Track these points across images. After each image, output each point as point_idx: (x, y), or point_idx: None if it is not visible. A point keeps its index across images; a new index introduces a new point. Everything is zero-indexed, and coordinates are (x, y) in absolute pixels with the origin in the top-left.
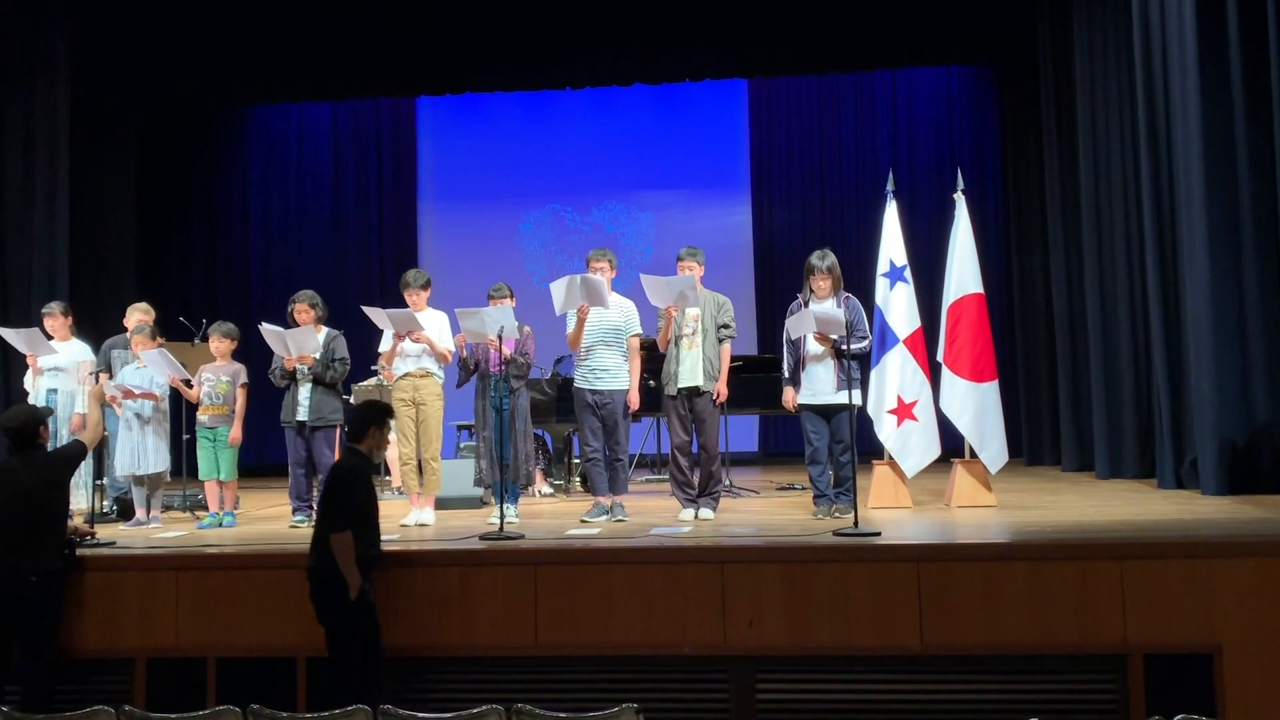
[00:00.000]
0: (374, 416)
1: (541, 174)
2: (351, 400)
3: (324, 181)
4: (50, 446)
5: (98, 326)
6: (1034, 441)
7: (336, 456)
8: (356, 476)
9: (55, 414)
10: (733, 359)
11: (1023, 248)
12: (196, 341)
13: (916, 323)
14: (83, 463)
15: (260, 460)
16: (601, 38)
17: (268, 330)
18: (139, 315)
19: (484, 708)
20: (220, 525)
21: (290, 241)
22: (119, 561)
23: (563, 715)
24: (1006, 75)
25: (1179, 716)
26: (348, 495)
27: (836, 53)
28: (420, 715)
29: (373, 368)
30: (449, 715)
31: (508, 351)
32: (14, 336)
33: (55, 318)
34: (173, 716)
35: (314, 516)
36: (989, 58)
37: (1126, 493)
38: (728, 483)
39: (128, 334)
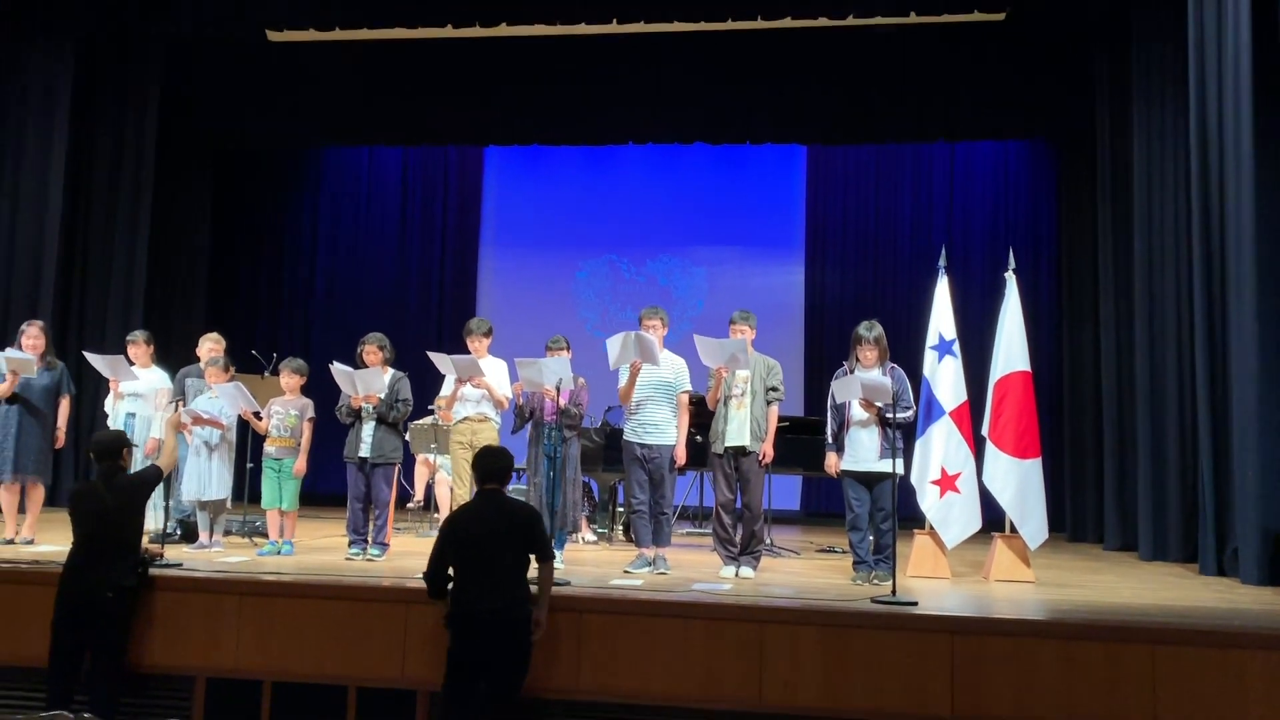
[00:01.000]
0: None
1: (600, 225)
2: (408, 438)
3: (390, 222)
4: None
5: (166, 354)
6: (1077, 517)
7: (394, 493)
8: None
9: (132, 437)
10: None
11: (1074, 322)
12: (266, 375)
13: (963, 396)
14: (158, 487)
15: (312, 489)
16: (666, 97)
17: (338, 370)
18: (210, 345)
19: None
20: (279, 553)
21: (354, 279)
22: (186, 583)
23: None
24: (1064, 151)
25: None
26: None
27: (896, 124)
28: None
29: (429, 408)
30: None
31: (562, 402)
32: (99, 361)
33: (138, 345)
34: None
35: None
36: (1047, 133)
37: (1166, 576)
38: (769, 542)
39: (200, 363)
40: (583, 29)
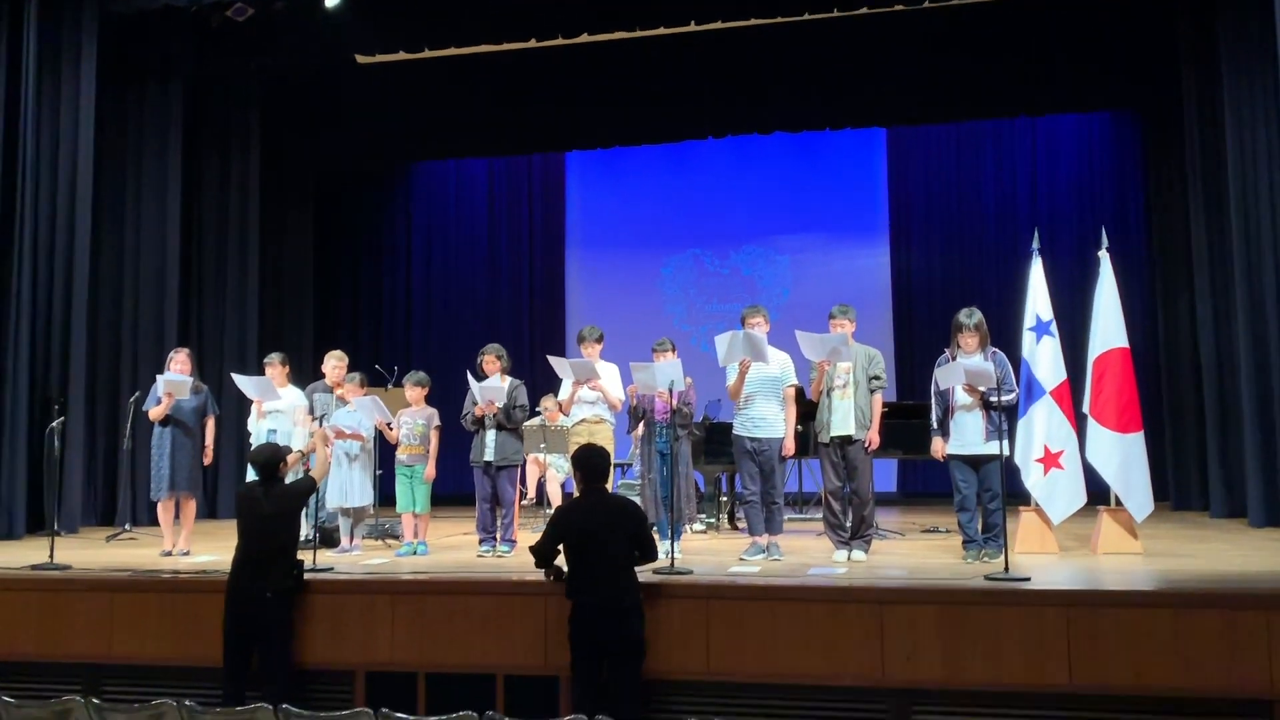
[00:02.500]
0: (609, 459)
1: (682, 220)
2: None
3: (479, 230)
4: None
5: None
6: (1181, 487)
7: (517, 493)
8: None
9: None
10: None
11: (1169, 295)
12: (389, 387)
13: (1063, 375)
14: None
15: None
16: (742, 90)
17: (473, 384)
18: (335, 363)
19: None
20: (415, 553)
21: (448, 286)
22: (343, 585)
23: None
24: (1149, 122)
25: None
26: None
27: (976, 101)
28: None
29: (535, 409)
30: None
31: (674, 402)
32: (247, 384)
33: (275, 367)
34: (307, 714)
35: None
36: (1131, 104)
37: (1275, 543)
38: (876, 525)
39: (325, 379)
40: (660, 31)
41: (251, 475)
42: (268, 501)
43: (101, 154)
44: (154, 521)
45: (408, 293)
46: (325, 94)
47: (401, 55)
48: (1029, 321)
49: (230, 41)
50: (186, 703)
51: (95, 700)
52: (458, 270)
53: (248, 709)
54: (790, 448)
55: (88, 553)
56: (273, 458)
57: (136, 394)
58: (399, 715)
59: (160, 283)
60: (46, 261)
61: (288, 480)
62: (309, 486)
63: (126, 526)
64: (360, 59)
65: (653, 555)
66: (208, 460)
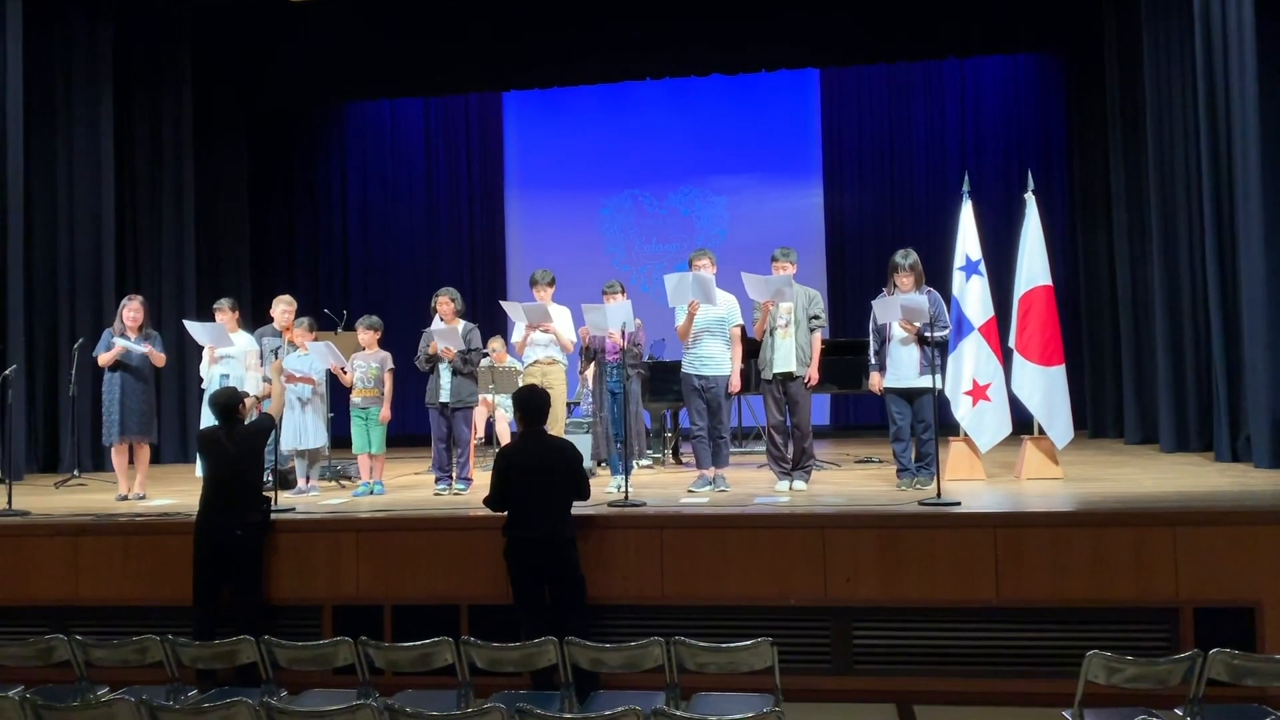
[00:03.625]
0: (548, 400)
1: (620, 161)
2: None
3: (417, 172)
4: None
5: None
6: (1098, 415)
7: (472, 434)
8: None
9: None
10: None
11: (1089, 230)
12: (339, 331)
13: (990, 312)
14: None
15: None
16: (680, 31)
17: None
18: (284, 307)
19: (649, 640)
20: (371, 493)
21: (386, 228)
22: (308, 524)
23: (712, 645)
24: (1072, 63)
25: (1216, 650)
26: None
27: (906, 42)
28: (604, 645)
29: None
30: (626, 644)
31: (624, 343)
32: (199, 330)
33: (225, 313)
34: (289, 643)
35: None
36: (1055, 46)
37: (1184, 466)
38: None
39: (273, 323)
40: None
41: (208, 418)
42: (230, 442)
43: (31, 96)
44: (99, 467)
45: (344, 235)
46: (257, 31)
47: None
48: (959, 261)
49: None
50: (169, 636)
51: (78, 637)
52: (395, 212)
53: (231, 640)
54: (736, 385)
55: (40, 499)
56: (231, 399)
57: (80, 340)
58: (377, 642)
59: (96, 227)
60: None
61: (246, 422)
62: (269, 424)
63: (75, 473)
64: None
65: (585, 493)
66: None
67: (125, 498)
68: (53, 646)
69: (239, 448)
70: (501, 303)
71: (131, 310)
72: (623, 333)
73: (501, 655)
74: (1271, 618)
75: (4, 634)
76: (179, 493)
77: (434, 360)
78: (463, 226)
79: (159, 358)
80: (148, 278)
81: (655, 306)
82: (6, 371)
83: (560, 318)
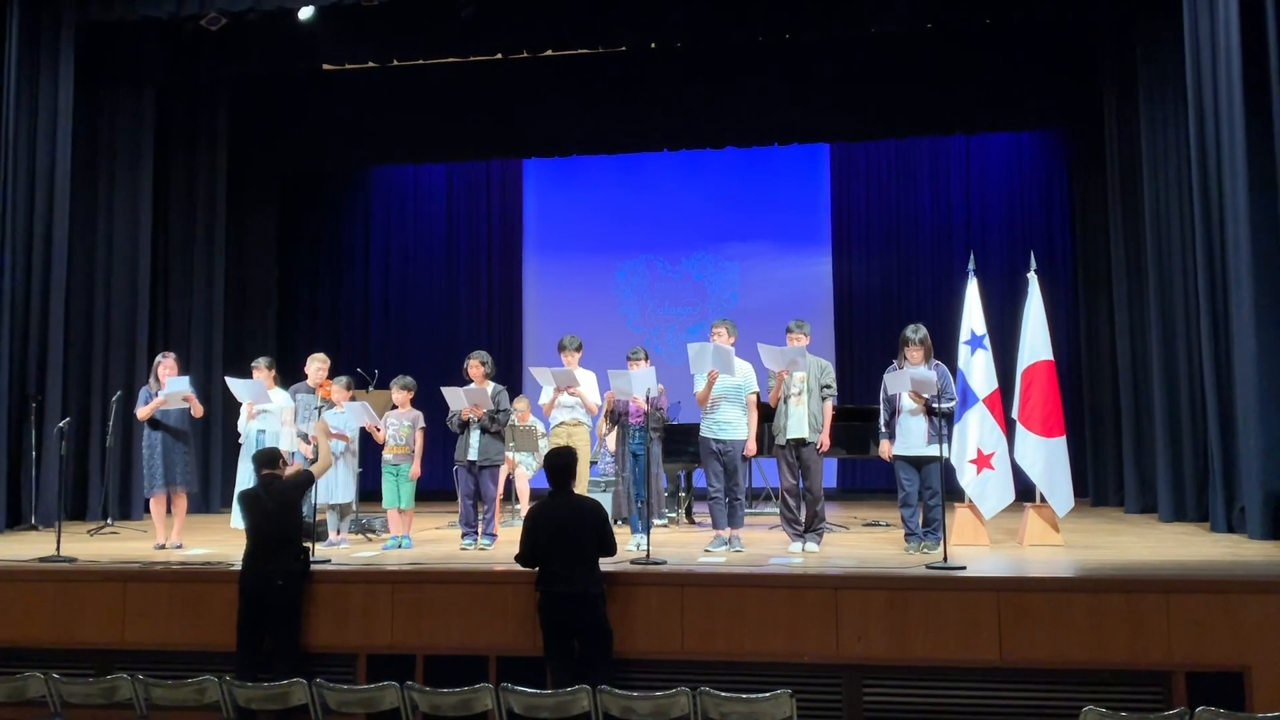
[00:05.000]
0: (575, 459)
1: (636, 227)
2: None
3: (438, 234)
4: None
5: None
6: (1099, 484)
7: (499, 491)
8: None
9: None
10: None
11: (1090, 303)
12: (371, 389)
13: (994, 384)
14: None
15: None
16: (695, 106)
17: (449, 391)
18: (318, 365)
19: (676, 690)
20: (400, 546)
21: (407, 289)
22: (344, 576)
23: (734, 695)
24: (1075, 140)
25: (1202, 708)
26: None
27: (913, 120)
28: (633, 694)
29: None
30: (653, 694)
31: (648, 407)
32: (239, 387)
33: (262, 370)
34: (341, 687)
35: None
36: (1058, 124)
37: (1180, 535)
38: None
39: (307, 380)
40: (620, 49)
41: (245, 472)
42: (269, 498)
43: (77, 157)
44: (125, 516)
45: (366, 294)
46: (291, 97)
47: (369, 64)
48: (964, 335)
49: (202, 48)
50: (226, 678)
51: (55, 675)
52: (416, 273)
53: (284, 683)
54: (752, 449)
55: (79, 546)
56: (272, 457)
57: (119, 393)
58: (422, 687)
59: (132, 284)
60: (24, 262)
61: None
62: (307, 479)
63: (109, 520)
64: (326, 65)
65: (612, 550)
66: (198, 413)
67: (163, 546)
68: (116, 686)
69: (278, 503)
70: (531, 369)
71: (166, 367)
72: (646, 397)
73: (537, 702)
74: (1260, 681)
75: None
76: (214, 542)
77: (465, 423)
78: (481, 287)
79: (196, 405)
80: (178, 333)
81: (668, 368)
82: (61, 424)
83: (586, 381)
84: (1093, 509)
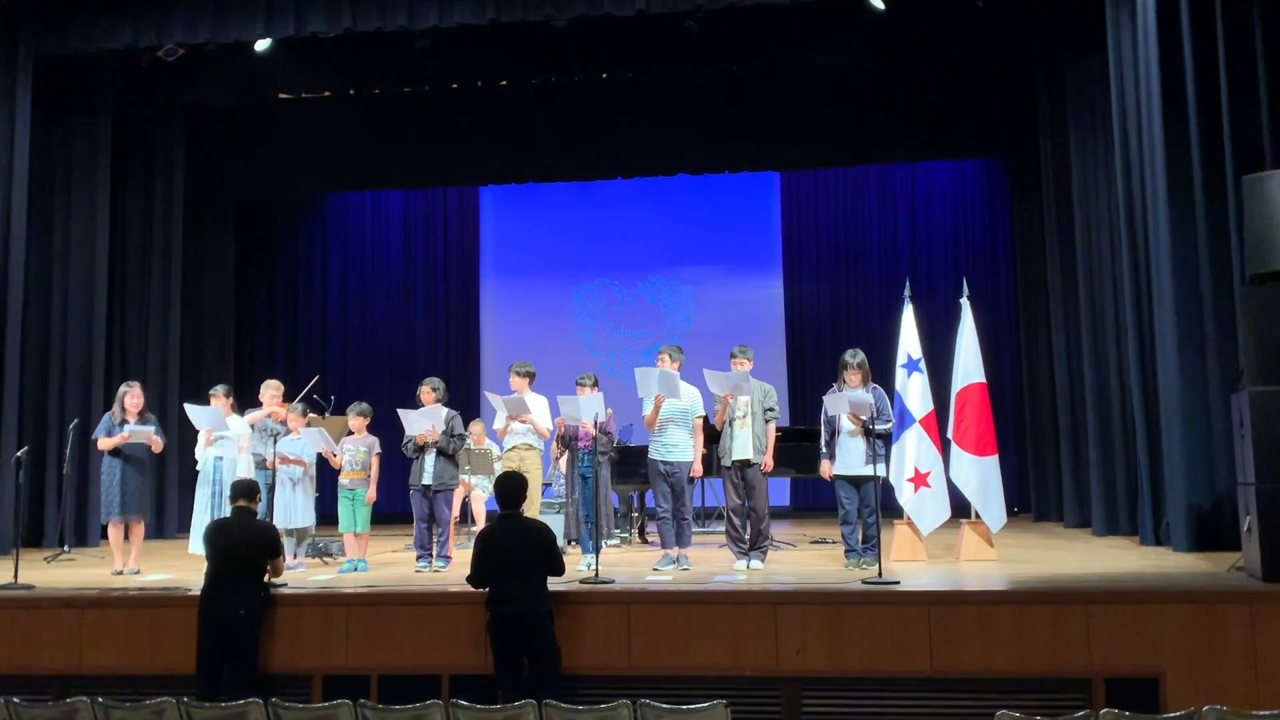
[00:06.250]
0: (525, 485)
1: (592, 251)
2: None
3: (395, 259)
4: (216, 500)
5: (198, 395)
6: (1041, 499)
7: (453, 514)
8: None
9: (222, 477)
10: None
11: (1030, 324)
12: (326, 415)
13: (930, 405)
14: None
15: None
16: (649, 135)
17: (405, 413)
18: (272, 393)
19: (618, 702)
20: (356, 569)
21: (365, 313)
22: (301, 599)
23: (673, 708)
24: (1013, 168)
25: (1106, 710)
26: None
27: (859, 148)
28: (578, 707)
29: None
30: (596, 706)
31: (595, 431)
32: (198, 415)
33: (220, 398)
34: (297, 706)
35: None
36: (997, 151)
37: (1109, 549)
38: (771, 538)
39: (263, 408)
40: (574, 78)
41: (202, 500)
42: (239, 529)
43: (33, 185)
44: (81, 542)
45: (324, 319)
46: (247, 124)
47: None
48: (901, 359)
49: (159, 77)
50: (184, 699)
51: (15, 700)
52: (374, 297)
53: (240, 704)
54: (698, 470)
55: (36, 573)
56: (249, 490)
57: (75, 421)
58: (375, 705)
59: (89, 310)
60: None
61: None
62: (276, 541)
63: (66, 548)
64: (282, 93)
65: (559, 570)
66: (157, 448)
67: (120, 572)
68: (75, 709)
69: (246, 536)
70: (486, 394)
71: (133, 397)
72: (595, 422)
73: (485, 717)
74: (1173, 687)
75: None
76: (171, 568)
77: (421, 448)
78: (439, 312)
79: (158, 444)
80: (134, 359)
81: (623, 389)
82: (19, 453)
83: (537, 407)
84: (1034, 523)
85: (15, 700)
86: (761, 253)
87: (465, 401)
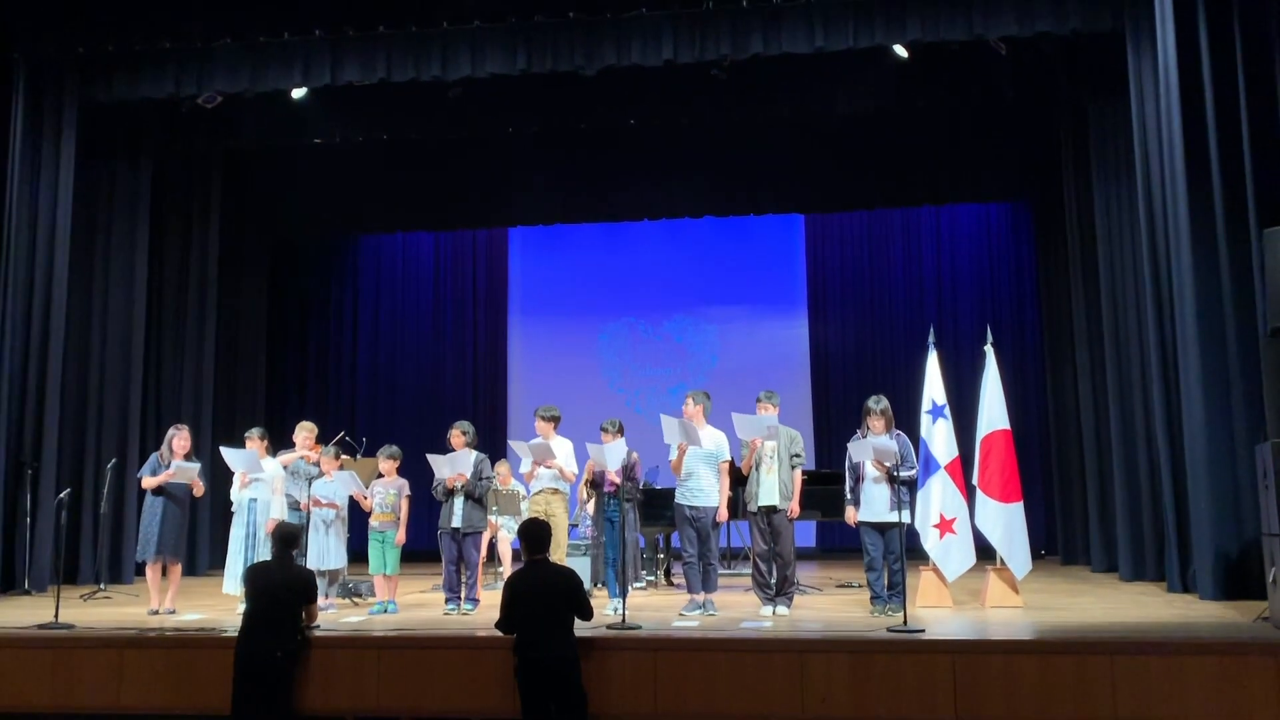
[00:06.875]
0: (550, 531)
1: (618, 291)
2: None
3: (425, 299)
4: (250, 541)
5: (231, 435)
6: (1069, 544)
7: (482, 555)
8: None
9: (256, 519)
10: None
11: (1056, 367)
12: (358, 457)
13: (955, 452)
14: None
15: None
16: (676, 178)
17: (434, 458)
18: (305, 434)
19: None
20: (386, 611)
21: (394, 353)
22: (334, 641)
23: None
24: (1038, 212)
25: None
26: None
27: (884, 191)
28: None
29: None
30: None
31: (619, 479)
32: (234, 457)
33: (255, 441)
34: None
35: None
36: (1023, 195)
37: (1139, 595)
38: (797, 582)
39: (296, 448)
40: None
41: (238, 540)
42: (280, 572)
43: (75, 229)
44: (115, 580)
45: (354, 359)
46: (282, 167)
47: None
48: (926, 405)
49: (198, 123)
50: None
51: None
52: (404, 337)
53: None
54: (724, 515)
55: (74, 612)
56: (294, 536)
57: (113, 461)
58: None
59: (126, 352)
60: (23, 331)
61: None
62: (314, 586)
63: (101, 586)
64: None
65: (588, 615)
66: (199, 492)
67: (156, 612)
68: None
69: (290, 580)
70: (510, 443)
71: (181, 439)
72: (621, 468)
73: None
74: None
75: None
76: (205, 608)
77: (450, 491)
78: (467, 352)
79: (200, 487)
80: (168, 398)
81: (648, 428)
82: (62, 495)
83: (562, 451)
84: (1062, 567)
85: None
86: (787, 293)
87: (492, 439)
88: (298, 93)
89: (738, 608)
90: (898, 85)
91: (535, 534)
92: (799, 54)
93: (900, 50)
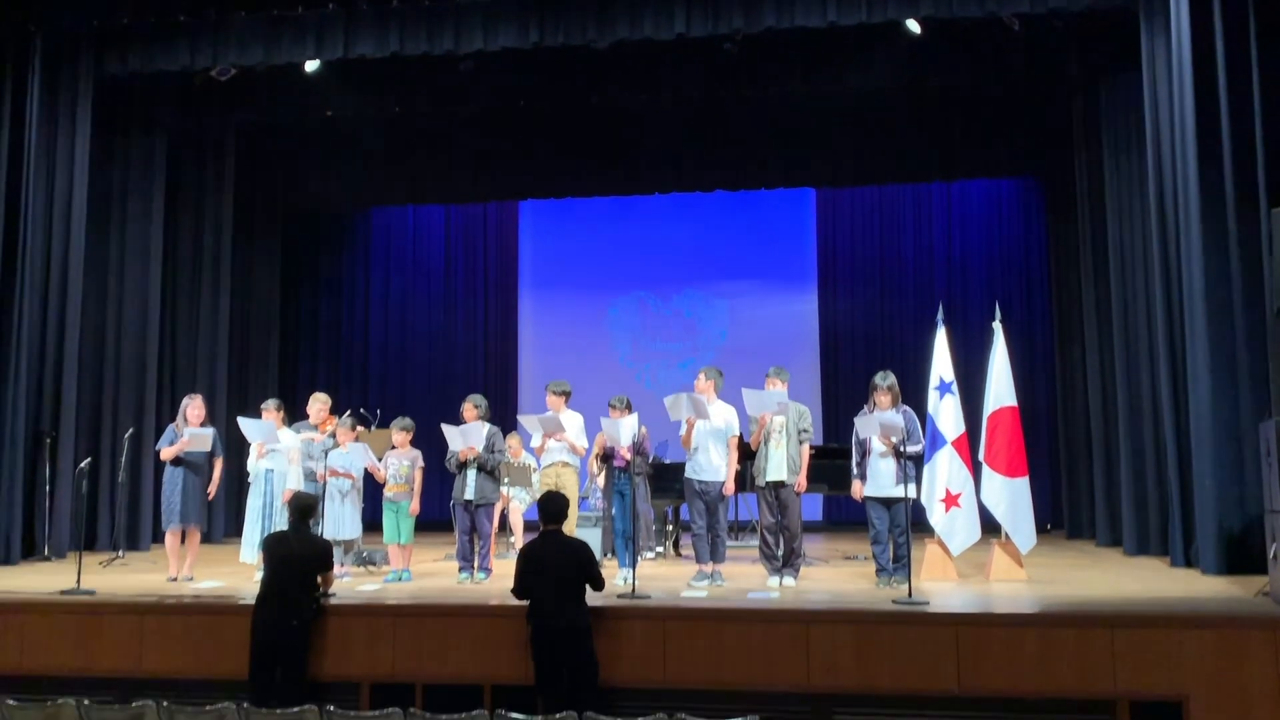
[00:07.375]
0: (567, 504)
1: (629, 265)
2: None
3: (436, 272)
4: (267, 511)
5: (244, 405)
6: (1074, 516)
7: (494, 525)
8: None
9: (273, 489)
10: None
11: (1064, 342)
12: (372, 429)
13: (962, 427)
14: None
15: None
16: (686, 152)
17: (448, 428)
18: (319, 406)
19: (654, 715)
20: (400, 579)
21: (405, 326)
22: (349, 609)
23: None
24: (1049, 188)
25: None
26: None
27: (895, 167)
28: (616, 719)
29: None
30: (634, 719)
31: (629, 454)
32: (251, 428)
33: (272, 412)
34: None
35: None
36: (1033, 171)
37: (1139, 570)
38: (804, 555)
39: (310, 420)
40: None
41: (254, 510)
42: (297, 542)
43: (91, 201)
44: (133, 547)
45: (366, 331)
46: (294, 140)
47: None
48: (934, 381)
49: (212, 97)
50: (244, 705)
51: (85, 701)
52: (415, 310)
53: (296, 710)
54: (730, 488)
55: (93, 578)
56: (311, 506)
57: (131, 430)
58: (426, 714)
59: (142, 324)
60: (40, 303)
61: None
62: (330, 556)
63: (120, 553)
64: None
65: (599, 586)
66: (212, 494)
67: (175, 579)
68: (142, 712)
69: (307, 549)
70: (519, 418)
71: (195, 408)
72: (629, 445)
73: None
74: (1197, 711)
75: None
76: (223, 575)
77: (463, 464)
78: (478, 325)
79: (218, 470)
80: (184, 371)
81: (658, 402)
82: (83, 464)
83: (572, 425)
84: (1067, 541)
85: (86, 702)
86: (797, 268)
87: (503, 412)
88: (310, 66)
89: (745, 579)
90: (910, 60)
91: (552, 506)
92: (812, 27)
93: (913, 25)
